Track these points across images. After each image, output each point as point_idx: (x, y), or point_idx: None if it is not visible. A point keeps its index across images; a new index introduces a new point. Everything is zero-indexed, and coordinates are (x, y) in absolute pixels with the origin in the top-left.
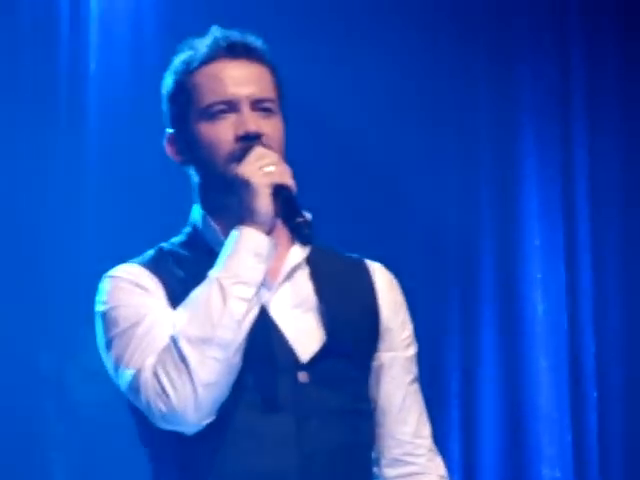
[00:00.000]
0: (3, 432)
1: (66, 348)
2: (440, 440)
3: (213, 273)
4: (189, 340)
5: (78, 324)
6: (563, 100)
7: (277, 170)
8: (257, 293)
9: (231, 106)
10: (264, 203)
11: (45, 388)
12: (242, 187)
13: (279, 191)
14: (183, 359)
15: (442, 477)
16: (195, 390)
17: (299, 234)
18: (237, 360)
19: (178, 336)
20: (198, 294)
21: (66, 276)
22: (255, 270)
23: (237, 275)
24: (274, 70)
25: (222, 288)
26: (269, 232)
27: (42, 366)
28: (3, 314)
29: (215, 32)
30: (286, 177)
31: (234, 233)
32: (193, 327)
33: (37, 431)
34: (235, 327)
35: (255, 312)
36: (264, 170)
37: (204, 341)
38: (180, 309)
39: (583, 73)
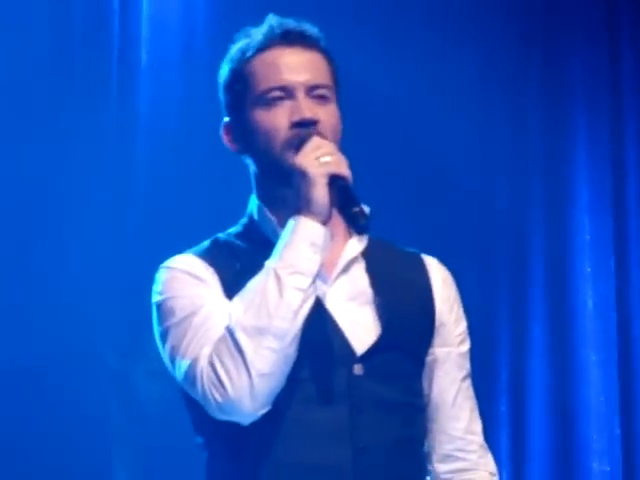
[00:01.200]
0: (70, 429)
1: (132, 348)
2: (489, 434)
3: (269, 263)
4: (245, 330)
5: (143, 325)
6: (614, 96)
7: (333, 160)
8: (313, 283)
9: (287, 92)
10: (320, 193)
11: (111, 387)
12: (299, 177)
13: (335, 181)
14: (239, 349)
15: (492, 474)
16: (251, 380)
17: (355, 224)
18: (293, 351)
19: (234, 326)
20: (254, 284)
21: (132, 277)
22: (311, 260)
23: (293, 265)
24: (330, 58)
25: (278, 278)
26: (325, 222)
27: (109, 365)
28: (72, 315)
29: (271, 20)
30: (342, 167)
31: (290, 223)
32: (249, 317)
33: (102, 428)
34: (291, 317)
35: (311, 302)
36: (320, 160)
37: (260, 331)
38: (236, 299)
39: (635, 71)
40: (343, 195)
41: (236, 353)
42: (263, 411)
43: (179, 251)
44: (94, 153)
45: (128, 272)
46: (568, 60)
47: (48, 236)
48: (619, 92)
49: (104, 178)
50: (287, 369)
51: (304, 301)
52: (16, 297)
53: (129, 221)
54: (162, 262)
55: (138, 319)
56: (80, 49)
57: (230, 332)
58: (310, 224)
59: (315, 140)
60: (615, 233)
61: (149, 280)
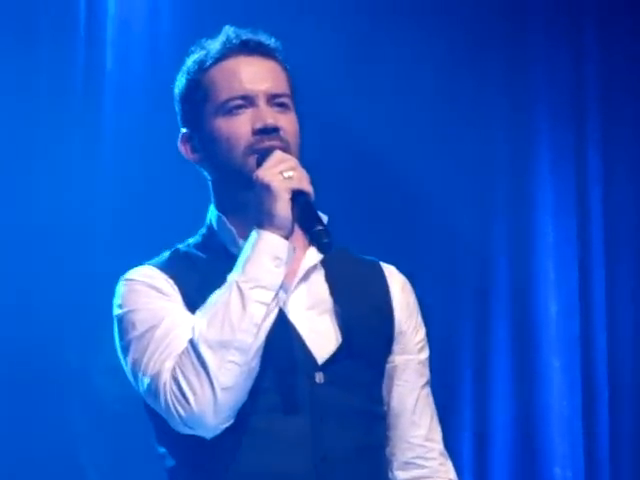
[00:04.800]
0: (31, 426)
1: (91, 344)
2: (452, 440)
3: (232, 277)
4: (209, 344)
5: (102, 320)
6: (578, 101)
7: (296, 175)
8: (276, 297)
9: (248, 101)
10: (283, 207)
11: (71, 383)
12: (261, 191)
13: (297, 196)
14: (203, 363)
15: None
16: (215, 394)
17: (318, 242)
18: (255, 364)
19: (198, 340)
20: (217, 298)
21: (90, 274)
22: (274, 274)
23: (256, 279)
24: (286, 68)
25: (241, 292)
26: (287, 236)
27: (68, 361)
28: (30, 311)
29: (227, 30)
30: (305, 183)
31: (252, 236)
32: (213, 331)
33: (64, 424)
34: (254, 331)
35: (274, 316)
36: (284, 175)
37: (224, 345)
38: (199, 313)
39: (597, 75)
40: (305, 211)
41: (200, 367)
42: (226, 425)
43: (139, 259)
44: (59, 158)
45: (89, 271)
46: (532, 67)
47: (11, 236)
48: (582, 96)
49: (69, 181)
50: (250, 383)
51: (267, 315)
52: None
53: (91, 223)
54: (122, 266)
55: (96, 316)
56: (46, 53)
57: (193, 346)
58: (273, 238)
59: (277, 154)
60: (579, 238)
61: (109, 280)
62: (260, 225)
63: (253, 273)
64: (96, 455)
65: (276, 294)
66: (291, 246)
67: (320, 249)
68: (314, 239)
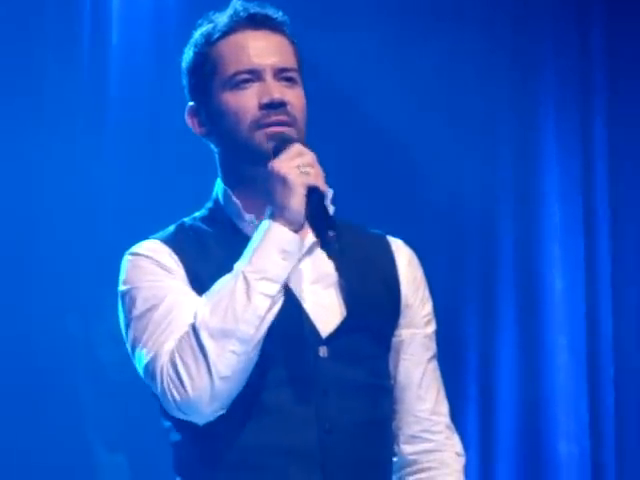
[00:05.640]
0: (34, 391)
1: (93, 310)
2: (458, 416)
3: (239, 266)
4: (210, 332)
5: (104, 287)
6: (584, 76)
7: (314, 172)
8: (281, 290)
9: (255, 75)
10: (297, 202)
11: (73, 349)
12: (277, 182)
13: (311, 193)
14: (202, 350)
15: (459, 454)
16: (212, 382)
17: (328, 247)
18: (254, 355)
19: (199, 326)
20: (223, 286)
21: (93, 241)
22: (281, 267)
23: (263, 270)
24: (294, 42)
25: (247, 282)
26: (297, 230)
27: (70, 327)
28: (32, 277)
29: (235, 4)
30: (321, 180)
31: (263, 226)
32: (215, 319)
33: (66, 390)
34: (257, 323)
35: (277, 308)
36: (301, 170)
37: (225, 334)
38: (203, 299)
39: (603, 45)
40: (317, 209)
41: (199, 354)
42: (220, 413)
43: (145, 232)
44: (64, 134)
45: (92, 238)
46: (537, 47)
47: (17, 209)
48: (589, 71)
49: (75, 153)
50: (247, 374)
51: (271, 307)
52: None
53: (97, 196)
54: (127, 238)
55: (98, 283)
56: (51, 28)
57: (195, 332)
58: (282, 231)
59: (296, 147)
60: (584, 215)
61: (111, 247)
62: (271, 216)
63: (260, 264)
64: (102, 427)
65: (281, 287)
66: (301, 240)
67: (329, 254)
68: (324, 243)
